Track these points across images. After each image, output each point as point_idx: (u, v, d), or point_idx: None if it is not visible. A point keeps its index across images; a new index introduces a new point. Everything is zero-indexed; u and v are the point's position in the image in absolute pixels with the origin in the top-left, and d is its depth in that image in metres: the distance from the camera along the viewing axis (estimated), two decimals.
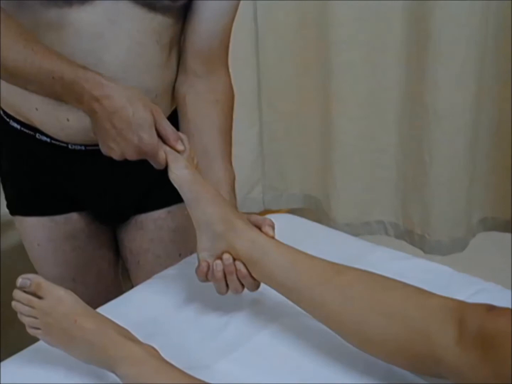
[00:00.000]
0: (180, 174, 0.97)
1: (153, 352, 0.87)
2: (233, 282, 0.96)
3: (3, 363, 0.90)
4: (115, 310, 1.00)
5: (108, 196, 1.19)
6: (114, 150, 0.93)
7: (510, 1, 1.56)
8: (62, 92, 0.94)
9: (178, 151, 0.95)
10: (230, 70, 1.14)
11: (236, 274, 0.95)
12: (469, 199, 1.79)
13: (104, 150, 0.94)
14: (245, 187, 2.00)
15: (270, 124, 1.93)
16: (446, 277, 1.10)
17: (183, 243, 1.26)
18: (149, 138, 0.92)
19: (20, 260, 1.29)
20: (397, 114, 1.78)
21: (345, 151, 1.82)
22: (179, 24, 1.09)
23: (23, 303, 0.88)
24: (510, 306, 0.78)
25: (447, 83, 1.64)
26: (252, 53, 1.84)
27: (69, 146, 1.11)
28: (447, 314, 0.79)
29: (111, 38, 1.02)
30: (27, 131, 1.11)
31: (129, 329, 0.88)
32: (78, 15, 0.98)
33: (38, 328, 0.88)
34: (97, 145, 0.95)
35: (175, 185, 0.97)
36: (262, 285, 0.96)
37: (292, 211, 1.83)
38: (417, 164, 1.77)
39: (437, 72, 1.64)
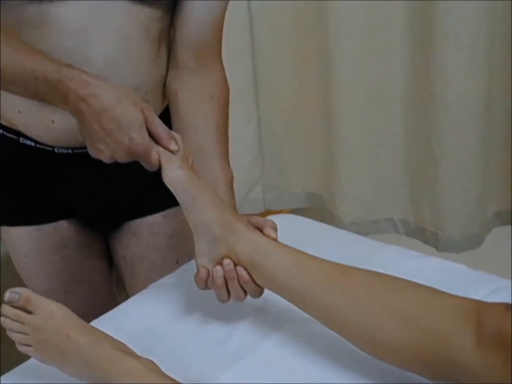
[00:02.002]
0: (174, 176, 0.97)
1: (152, 366, 0.88)
2: (234, 288, 0.96)
3: (2, 377, 0.92)
4: (110, 322, 1.01)
5: (99, 202, 1.19)
6: (104, 152, 0.93)
7: None
8: (46, 92, 0.95)
9: (171, 151, 0.96)
10: (224, 63, 1.15)
11: (238, 280, 0.96)
12: (483, 192, 1.80)
13: (92, 152, 0.95)
14: (244, 187, 2.01)
15: (268, 119, 1.95)
16: (461, 275, 1.11)
17: (180, 249, 1.26)
18: (140, 138, 0.92)
19: (8, 272, 1.30)
20: (403, 105, 1.79)
21: (349, 145, 1.83)
22: (168, 16, 1.09)
23: (12, 319, 0.88)
24: None
25: (456, 69, 1.66)
26: (246, 44, 1.85)
27: (55, 150, 1.11)
28: (463, 315, 0.80)
29: (96, 34, 1.02)
30: (10, 135, 1.12)
31: (126, 343, 0.88)
32: (60, 10, 0.98)
33: (29, 345, 0.88)
34: (85, 147, 0.95)
35: (170, 187, 0.97)
36: (266, 291, 0.96)
37: (294, 211, 1.84)
38: (427, 157, 1.78)
39: (444, 57, 1.65)
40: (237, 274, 0.96)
